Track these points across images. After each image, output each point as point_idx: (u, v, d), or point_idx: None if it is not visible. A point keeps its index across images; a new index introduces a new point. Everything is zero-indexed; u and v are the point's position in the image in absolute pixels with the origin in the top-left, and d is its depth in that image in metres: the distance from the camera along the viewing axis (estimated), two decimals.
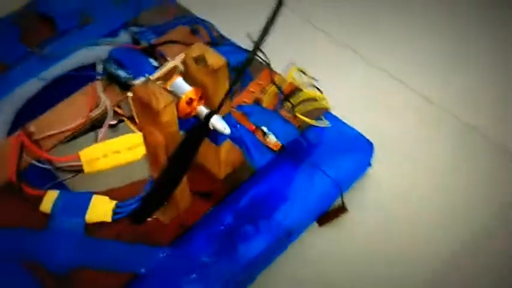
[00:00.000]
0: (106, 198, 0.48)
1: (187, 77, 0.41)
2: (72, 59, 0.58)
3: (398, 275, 0.50)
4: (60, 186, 0.50)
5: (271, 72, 0.58)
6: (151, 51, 0.58)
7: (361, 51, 0.69)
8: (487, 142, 0.59)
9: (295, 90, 0.57)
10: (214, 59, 0.40)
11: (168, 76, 0.46)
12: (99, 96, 0.55)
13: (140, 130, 0.42)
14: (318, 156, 0.53)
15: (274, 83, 0.56)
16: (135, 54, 0.58)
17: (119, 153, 0.51)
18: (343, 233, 0.53)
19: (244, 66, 0.38)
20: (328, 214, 0.53)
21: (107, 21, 0.63)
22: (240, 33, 0.56)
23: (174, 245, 0.46)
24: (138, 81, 0.51)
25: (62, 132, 0.53)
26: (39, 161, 0.50)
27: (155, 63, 0.57)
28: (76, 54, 0.58)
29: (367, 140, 0.55)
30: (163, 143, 0.40)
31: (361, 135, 0.55)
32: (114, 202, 0.48)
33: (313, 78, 0.57)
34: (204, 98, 0.41)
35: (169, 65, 0.45)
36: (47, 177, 0.50)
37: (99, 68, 0.57)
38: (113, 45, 0.58)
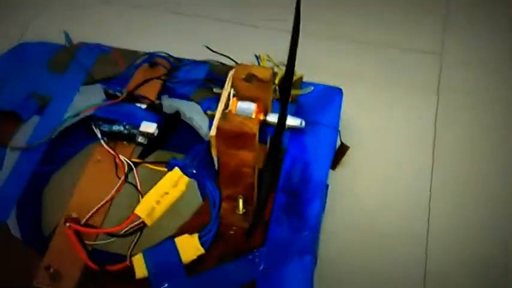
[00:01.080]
0: (186, 235, 0.52)
1: (240, 97, 0.46)
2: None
3: None
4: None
5: None
6: (132, 98, 0.59)
7: None
8: None
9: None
10: (263, 72, 0.45)
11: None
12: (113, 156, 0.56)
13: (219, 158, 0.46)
14: (312, 115, 0.62)
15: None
16: (119, 107, 0.59)
17: (167, 194, 0.54)
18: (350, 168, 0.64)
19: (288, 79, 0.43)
20: (337, 156, 0.63)
21: (64, 93, 0.62)
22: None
23: (269, 240, 0.52)
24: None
25: (103, 204, 0.54)
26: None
27: (143, 106, 0.59)
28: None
29: (336, 88, 0.66)
30: (253, 160, 0.45)
31: (330, 86, 0.65)
32: (195, 235, 0.52)
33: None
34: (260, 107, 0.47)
35: (224, 93, 0.47)
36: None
37: (97, 132, 0.57)
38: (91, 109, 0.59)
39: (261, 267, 0.50)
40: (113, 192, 0.54)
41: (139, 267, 0.49)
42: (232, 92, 0.46)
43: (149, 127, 0.57)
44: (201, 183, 0.55)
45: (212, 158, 0.56)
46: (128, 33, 0.82)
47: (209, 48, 0.63)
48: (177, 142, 0.61)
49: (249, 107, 0.45)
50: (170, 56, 0.64)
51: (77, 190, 0.55)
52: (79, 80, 0.63)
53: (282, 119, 0.44)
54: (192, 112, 0.61)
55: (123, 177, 0.54)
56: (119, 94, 0.59)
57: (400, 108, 0.75)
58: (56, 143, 0.59)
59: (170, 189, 0.53)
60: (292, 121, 0.45)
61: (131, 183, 0.54)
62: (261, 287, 0.50)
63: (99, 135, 0.57)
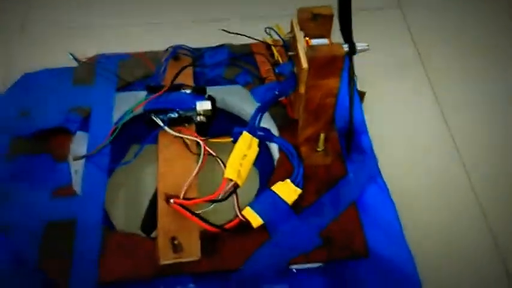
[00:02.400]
0: (279, 183, 0.56)
1: (310, 36, 0.52)
2: None
3: None
4: None
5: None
6: (174, 87, 0.63)
7: None
8: None
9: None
10: (324, 10, 0.52)
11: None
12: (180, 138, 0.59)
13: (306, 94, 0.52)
14: None
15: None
16: (166, 96, 0.62)
17: (246, 155, 0.58)
18: None
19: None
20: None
21: (103, 100, 0.64)
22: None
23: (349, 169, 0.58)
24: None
25: (193, 178, 0.56)
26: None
27: (188, 91, 0.63)
28: None
29: None
30: (338, 87, 0.51)
31: None
32: (286, 180, 0.56)
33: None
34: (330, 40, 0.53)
35: (298, 35, 0.51)
36: None
37: (158, 121, 0.60)
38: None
39: (355, 189, 0.56)
40: (199, 165, 0.56)
41: (253, 218, 0.53)
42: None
43: (204, 105, 0.61)
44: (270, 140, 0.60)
45: (272, 117, 0.61)
46: None
47: (226, 31, 0.68)
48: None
49: (322, 41, 0.51)
50: (189, 47, 0.68)
51: (160, 174, 0.57)
52: (112, 86, 0.65)
53: (352, 46, 0.51)
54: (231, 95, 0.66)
55: (203, 151, 0.57)
56: (162, 85, 0.62)
57: None
58: (118, 142, 0.60)
59: (246, 151, 0.57)
60: (360, 46, 0.52)
61: (212, 155, 0.57)
62: (360, 206, 0.55)
63: (161, 123, 0.60)
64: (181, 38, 0.71)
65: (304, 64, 0.49)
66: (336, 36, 0.53)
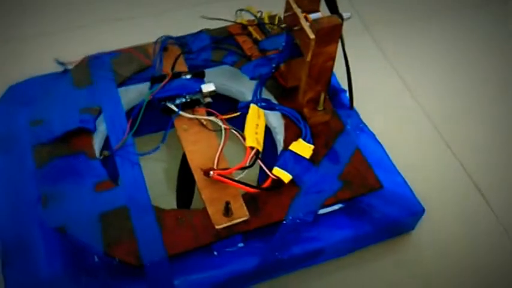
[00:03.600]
0: (293, 143, 0.64)
1: (307, 12, 0.61)
2: None
3: None
4: None
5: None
6: (174, 75, 0.68)
7: None
8: None
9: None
10: None
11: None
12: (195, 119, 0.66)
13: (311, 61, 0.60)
14: None
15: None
16: (170, 85, 0.67)
17: (258, 125, 0.66)
18: None
19: None
20: None
21: (109, 96, 0.68)
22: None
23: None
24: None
25: (221, 152, 0.63)
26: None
27: (188, 76, 0.69)
28: None
29: None
30: (336, 51, 0.61)
31: None
32: (299, 140, 0.65)
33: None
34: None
35: (297, 12, 0.58)
36: None
37: (173, 107, 0.65)
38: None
39: (354, 138, 0.66)
40: (223, 140, 0.63)
41: (283, 175, 0.61)
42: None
43: (209, 87, 0.67)
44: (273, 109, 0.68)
45: (271, 89, 0.69)
46: None
47: (206, 17, 0.74)
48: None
49: (318, 15, 0.60)
50: (174, 37, 0.74)
51: (189, 154, 0.63)
52: (112, 83, 0.69)
53: (340, 16, 0.60)
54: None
55: (224, 127, 0.64)
56: (165, 74, 0.68)
57: None
58: (138, 133, 0.65)
59: (257, 120, 0.66)
60: (345, 15, 0.61)
61: (233, 128, 0.64)
62: (361, 148, 0.66)
63: (176, 109, 0.65)
64: (154, 29, 0.75)
65: (311, 35, 0.57)
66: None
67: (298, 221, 0.59)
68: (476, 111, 0.86)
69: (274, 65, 0.67)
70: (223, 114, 0.66)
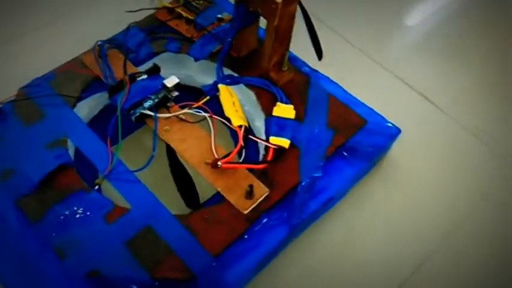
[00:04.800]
0: (274, 108, 0.65)
1: None
2: None
3: None
4: None
5: None
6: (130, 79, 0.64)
7: None
8: None
9: None
10: None
11: None
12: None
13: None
14: None
15: None
16: (132, 90, 0.63)
17: (234, 102, 0.65)
18: None
19: None
20: None
21: (70, 122, 0.63)
22: None
23: None
24: None
25: (214, 141, 0.62)
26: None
27: (144, 76, 0.65)
28: None
29: None
30: (296, 9, 0.61)
31: None
32: (277, 104, 0.66)
33: None
34: None
35: None
36: None
37: (148, 112, 0.62)
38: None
39: (321, 85, 0.69)
40: (213, 129, 0.62)
41: (281, 141, 0.62)
42: None
43: (172, 80, 0.64)
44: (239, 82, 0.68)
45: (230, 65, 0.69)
46: None
47: (131, 11, 0.70)
48: None
49: None
50: (105, 40, 0.69)
51: (183, 153, 0.61)
52: (65, 107, 0.63)
53: None
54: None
55: (208, 115, 0.63)
56: (122, 81, 0.63)
57: None
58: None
59: (232, 98, 0.65)
60: None
61: (217, 117, 0.63)
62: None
63: (152, 113, 0.62)
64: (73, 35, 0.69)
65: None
66: None
67: (309, 180, 0.61)
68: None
69: (229, 39, 0.66)
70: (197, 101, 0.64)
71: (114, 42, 0.69)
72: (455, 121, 0.81)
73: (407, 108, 0.82)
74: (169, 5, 0.73)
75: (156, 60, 0.69)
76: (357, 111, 0.68)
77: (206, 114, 0.63)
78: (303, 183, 0.60)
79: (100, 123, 0.66)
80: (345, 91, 0.72)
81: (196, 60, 0.69)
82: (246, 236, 0.58)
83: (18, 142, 0.60)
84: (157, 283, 0.53)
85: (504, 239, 0.68)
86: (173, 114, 0.63)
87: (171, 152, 0.63)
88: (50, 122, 0.62)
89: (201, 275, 0.53)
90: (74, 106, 0.64)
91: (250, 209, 0.58)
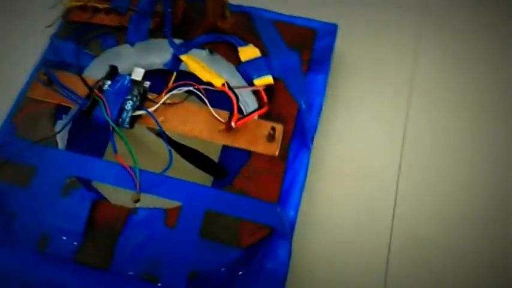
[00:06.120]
0: (239, 54, 0.67)
1: None
2: None
3: None
4: None
5: None
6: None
7: None
8: None
9: None
10: None
11: None
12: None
13: None
14: None
15: None
16: (106, 101, 0.60)
17: (203, 66, 0.66)
18: None
19: None
20: None
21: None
22: None
23: None
24: None
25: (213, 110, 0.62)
26: None
27: (108, 82, 0.62)
28: None
29: None
30: None
31: None
32: (237, 48, 0.67)
33: None
34: None
35: None
36: None
37: (142, 112, 0.61)
38: None
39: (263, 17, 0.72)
40: (205, 99, 0.62)
41: (264, 80, 0.65)
42: None
43: (138, 73, 0.63)
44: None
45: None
46: None
47: (49, 26, 0.65)
48: None
49: None
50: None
51: (192, 133, 0.62)
52: (50, 150, 0.59)
53: None
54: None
55: (195, 87, 0.62)
56: (95, 98, 0.60)
57: None
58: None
59: (199, 63, 0.66)
60: None
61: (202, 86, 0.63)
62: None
63: (142, 112, 0.61)
64: None
65: None
66: None
67: (303, 101, 0.65)
68: None
69: (169, 9, 0.65)
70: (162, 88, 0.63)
71: (51, 61, 0.64)
72: None
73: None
74: (77, 3, 0.68)
75: (100, 61, 0.66)
76: (302, 25, 0.72)
77: (190, 87, 0.62)
78: (304, 107, 0.65)
79: (77, 142, 0.63)
80: (280, 13, 0.74)
81: (132, 45, 0.67)
82: (287, 172, 0.61)
83: (32, 206, 0.55)
84: (246, 252, 0.55)
85: None
86: (161, 101, 0.62)
87: (170, 140, 0.62)
88: (46, 171, 0.57)
89: (275, 223, 0.57)
90: (56, 144, 0.60)
91: (278, 149, 0.61)
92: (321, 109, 0.69)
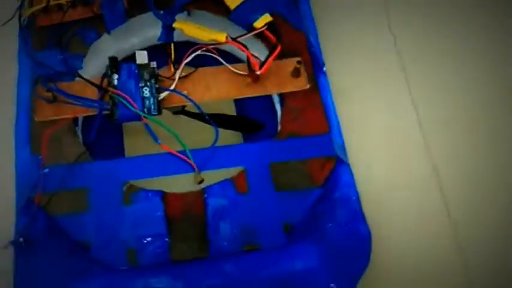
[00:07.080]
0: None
1: None
2: None
3: None
4: None
5: None
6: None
7: None
8: None
9: None
10: None
11: None
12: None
13: None
14: None
15: None
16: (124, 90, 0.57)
17: (199, 27, 0.62)
18: None
19: None
20: None
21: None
22: None
23: None
24: None
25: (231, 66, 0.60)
26: None
27: (116, 76, 0.58)
28: None
29: None
30: None
31: None
32: None
33: None
34: None
35: None
36: None
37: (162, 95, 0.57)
38: None
39: None
40: (219, 58, 0.59)
41: (263, 19, 0.62)
42: None
43: (141, 56, 0.59)
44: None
45: None
46: None
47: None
48: None
49: None
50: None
51: (219, 96, 0.59)
52: (87, 165, 0.55)
53: None
54: None
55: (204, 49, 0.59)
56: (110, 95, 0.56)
57: None
58: None
59: (195, 26, 0.62)
60: None
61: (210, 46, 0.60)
62: None
63: (166, 92, 0.58)
64: None
65: None
66: None
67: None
68: None
69: None
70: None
71: (43, 78, 0.57)
72: None
73: None
74: (36, 7, 0.61)
75: (91, 59, 0.61)
76: None
77: (199, 52, 0.59)
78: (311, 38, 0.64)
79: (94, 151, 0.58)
80: None
81: (109, 30, 0.62)
82: (322, 98, 0.61)
83: (102, 227, 0.52)
84: (323, 188, 0.56)
85: None
86: (178, 76, 0.58)
87: (201, 114, 0.60)
88: (99, 187, 0.54)
89: (336, 151, 0.57)
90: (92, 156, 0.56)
91: (307, 81, 0.60)
92: (316, 32, 0.68)
